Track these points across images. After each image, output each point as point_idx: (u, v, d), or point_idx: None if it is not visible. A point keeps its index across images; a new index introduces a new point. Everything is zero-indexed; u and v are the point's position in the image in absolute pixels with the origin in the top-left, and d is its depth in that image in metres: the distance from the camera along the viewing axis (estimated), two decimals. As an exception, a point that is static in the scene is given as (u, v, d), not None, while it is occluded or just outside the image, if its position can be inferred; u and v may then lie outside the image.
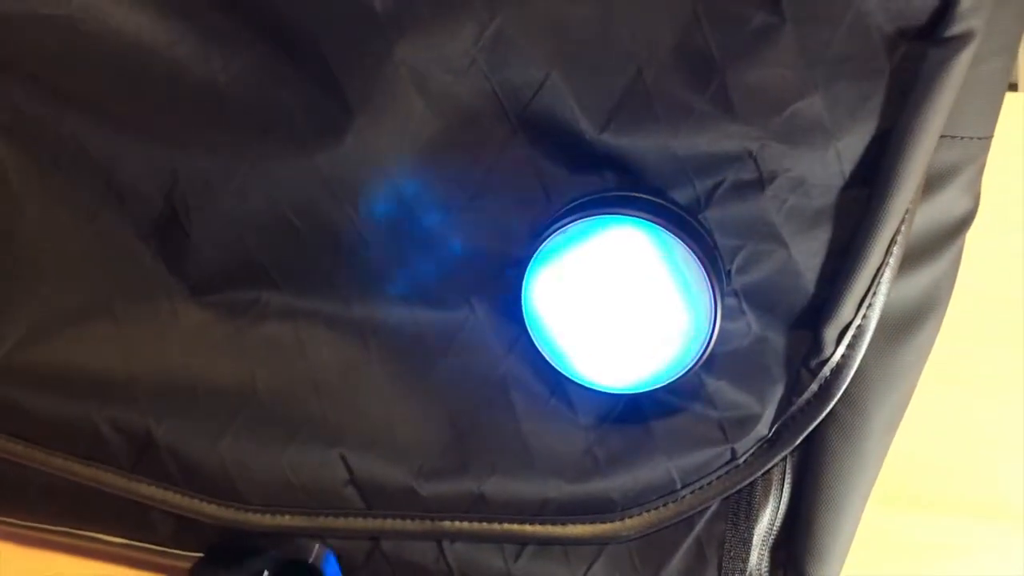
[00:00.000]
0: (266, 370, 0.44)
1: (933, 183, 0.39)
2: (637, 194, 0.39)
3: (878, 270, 0.39)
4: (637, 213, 0.38)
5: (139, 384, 0.45)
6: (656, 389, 0.41)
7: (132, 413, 0.45)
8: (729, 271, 0.40)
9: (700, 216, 0.39)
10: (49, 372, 0.45)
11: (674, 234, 0.38)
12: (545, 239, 0.39)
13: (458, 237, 0.42)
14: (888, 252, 0.39)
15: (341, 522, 0.45)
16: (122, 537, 0.49)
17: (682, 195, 0.39)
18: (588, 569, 0.45)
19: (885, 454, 0.44)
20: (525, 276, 0.40)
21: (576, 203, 0.40)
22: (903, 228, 0.38)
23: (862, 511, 0.44)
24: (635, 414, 0.43)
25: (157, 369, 0.45)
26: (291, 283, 0.44)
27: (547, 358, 0.41)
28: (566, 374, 0.41)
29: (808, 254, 0.39)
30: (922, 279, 0.41)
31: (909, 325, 0.42)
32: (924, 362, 0.43)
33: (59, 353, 0.45)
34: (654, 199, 0.39)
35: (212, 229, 0.43)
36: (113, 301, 0.45)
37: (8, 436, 0.46)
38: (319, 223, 0.42)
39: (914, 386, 0.43)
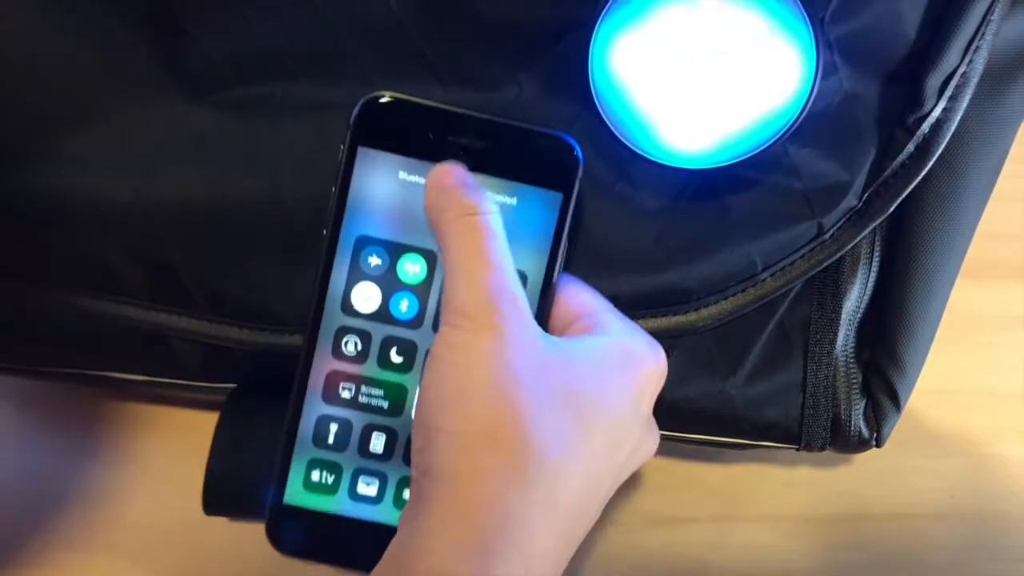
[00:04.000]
0: (291, 174, 0.39)
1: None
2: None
3: (990, 6, 0.35)
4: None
5: (148, 203, 0.39)
6: (737, 162, 0.36)
7: (144, 237, 0.39)
8: (823, 19, 0.35)
9: (790, -46, 0.34)
10: (44, 198, 0.39)
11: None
12: (615, -8, 0.34)
13: (501, 3, 0.36)
14: (1003, -16, 0.34)
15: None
16: (142, 374, 0.44)
17: (769, -70, 0.34)
18: (662, 365, 0.41)
19: (979, 220, 0.40)
20: (592, 38, 0.35)
21: (646, -52, 0.34)
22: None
23: (954, 283, 0.41)
24: (709, 194, 0.39)
25: (166, 185, 0.39)
26: (310, 72, 0.38)
27: (616, 132, 0.36)
28: (638, 149, 0.36)
29: (913, -8, 0.35)
30: (1030, 15, 0.37)
31: (1014, 71, 0.38)
32: None
33: (52, 176, 0.39)
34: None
35: (212, 13, 0.37)
36: (105, 109, 0.39)
37: (8, 274, 0.41)
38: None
39: (1011, 142, 0.40)
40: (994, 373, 0.50)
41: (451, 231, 0.33)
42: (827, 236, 0.39)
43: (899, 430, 0.44)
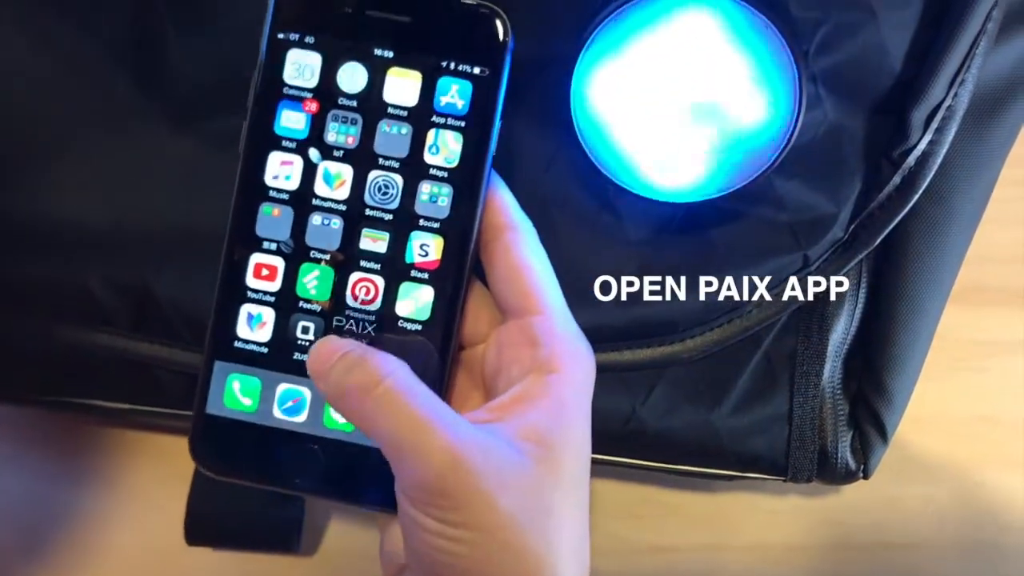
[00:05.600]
0: (272, 205, 0.39)
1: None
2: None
3: (975, 40, 0.34)
4: (705, -14, 0.32)
5: (128, 232, 0.39)
6: (722, 195, 0.36)
7: (125, 267, 0.39)
8: (807, 51, 0.35)
9: (774, -12, 0.34)
10: (24, 227, 0.39)
11: (751, 9, 0.32)
12: (597, 28, 0.33)
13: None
14: (988, 17, 0.34)
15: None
16: (125, 403, 0.44)
17: (752, -36, 0.33)
18: (648, 396, 0.41)
19: (966, 250, 0.40)
20: (574, 73, 0.34)
21: (628, -17, 0.34)
22: (1008, -13, 0.33)
23: (941, 314, 0.41)
24: (694, 226, 0.39)
25: (146, 214, 0.39)
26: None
27: (598, 166, 0.36)
28: (621, 183, 0.36)
29: (897, 26, 0.35)
30: (1015, 48, 0.36)
31: (999, 104, 0.37)
32: (1010, 147, 0.39)
33: (31, 203, 0.39)
34: (722, -31, 0.33)
35: (195, 43, 0.37)
36: (86, 137, 0.39)
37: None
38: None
39: (998, 175, 0.39)
40: (985, 400, 0.49)
41: (368, 415, 0.30)
42: (813, 268, 0.39)
43: (888, 458, 0.43)
